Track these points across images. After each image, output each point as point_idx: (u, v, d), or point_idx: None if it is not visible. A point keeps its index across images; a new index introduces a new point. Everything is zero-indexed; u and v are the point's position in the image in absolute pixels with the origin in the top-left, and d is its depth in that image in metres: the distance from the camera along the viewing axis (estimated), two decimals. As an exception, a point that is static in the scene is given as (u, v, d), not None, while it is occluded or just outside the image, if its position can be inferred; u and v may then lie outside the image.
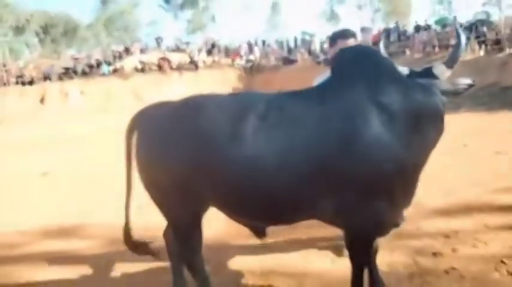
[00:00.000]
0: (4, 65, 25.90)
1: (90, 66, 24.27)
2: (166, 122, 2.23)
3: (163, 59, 24.20)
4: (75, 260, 3.43)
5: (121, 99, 20.62)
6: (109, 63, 24.53)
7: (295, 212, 2.15)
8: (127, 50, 26.74)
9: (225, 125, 2.06)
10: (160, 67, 23.68)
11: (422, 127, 1.97)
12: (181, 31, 40.46)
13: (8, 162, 9.39)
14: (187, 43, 29.07)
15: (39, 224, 4.41)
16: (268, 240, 3.03)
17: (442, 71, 2.07)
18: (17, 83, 23.57)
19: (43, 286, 3.04)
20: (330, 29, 36.31)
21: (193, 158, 2.08)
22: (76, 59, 26.62)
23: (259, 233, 2.44)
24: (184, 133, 2.13)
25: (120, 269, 3.16)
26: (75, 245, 3.77)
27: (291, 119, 2.02)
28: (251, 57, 24.64)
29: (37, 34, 35.95)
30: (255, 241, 3.15)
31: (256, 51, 25.41)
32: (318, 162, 1.94)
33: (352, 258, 2.20)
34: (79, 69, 23.94)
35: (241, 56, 25.05)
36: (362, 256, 2.21)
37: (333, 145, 1.94)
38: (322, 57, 21.07)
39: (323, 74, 2.65)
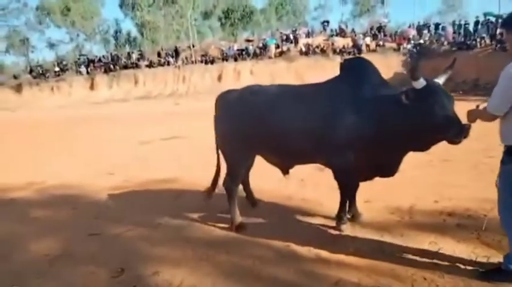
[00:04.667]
0: (193, 46, 30.67)
1: (261, 49, 26.63)
2: (234, 102, 3.61)
3: (327, 42, 24.79)
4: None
5: (284, 80, 22.05)
6: (277, 46, 26.43)
7: (306, 158, 3.49)
8: (294, 34, 28.23)
9: (269, 104, 3.37)
10: (323, 51, 24.39)
11: (383, 118, 2.97)
12: (348, 14, 40.16)
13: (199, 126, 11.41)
14: (353, 27, 28.88)
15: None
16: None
17: (415, 84, 2.81)
18: (201, 61, 27.74)
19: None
20: (525, 8, 30.57)
21: (250, 124, 3.42)
22: (249, 41, 29.57)
23: (285, 171, 3.77)
24: (244, 109, 3.48)
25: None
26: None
27: (307, 102, 3.29)
28: (420, 41, 23.01)
29: (219, 19, 40.95)
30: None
31: (426, 34, 23.57)
32: (316, 129, 3.17)
33: (340, 192, 3.44)
34: (251, 51, 26.57)
35: (409, 40, 23.65)
36: (344, 192, 3.44)
37: (325, 120, 3.14)
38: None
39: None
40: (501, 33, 19.92)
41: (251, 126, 3.42)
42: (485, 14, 22.76)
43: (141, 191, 5.18)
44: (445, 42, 22.11)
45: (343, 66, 3.42)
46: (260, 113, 3.39)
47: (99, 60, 31.37)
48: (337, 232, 3.48)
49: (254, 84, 3.86)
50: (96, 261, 3.25)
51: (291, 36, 27.66)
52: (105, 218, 4.21)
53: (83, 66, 30.50)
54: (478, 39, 20.55)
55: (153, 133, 10.46)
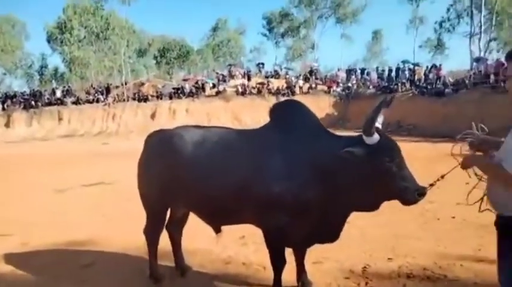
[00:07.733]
0: (126, 83, 29.50)
1: (197, 88, 26.32)
2: (153, 144, 3.19)
3: (262, 84, 25.21)
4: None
5: (221, 119, 21.93)
6: (213, 86, 26.35)
7: (233, 217, 2.89)
8: (230, 74, 28.44)
9: (189, 151, 2.88)
10: (259, 91, 24.70)
11: (321, 172, 2.53)
12: (281, 58, 41.80)
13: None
14: (287, 69, 29.91)
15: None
16: None
17: (367, 140, 2.38)
18: (134, 99, 26.62)
19: None
20: (435, 58, 34.07)
21: (169, 172, 2.93)
22: (185, 80, 29.19)
23: (216, 230, 3.14)
24: (164, 154, 2.99)
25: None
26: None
27: (232, 153, 2.79)
28: (348, 85, 24.34)
29: (155, 57, 40.32)
30: None
31: (353, 78, 25.04)
32: (240, 185, 2.67)
33: (271, 260, 2.83)
34: (187, 90, 26.13)
35: (338, 83, 24.89)
36: (276, 260, 2.81)
37: (251, 174, 2.64)
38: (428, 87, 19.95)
39: None
40: (424, 77, 21.76)
41: (165, 173, 2.97)
42: (403, 62, 24.91)
43: (39, 258, 4.06)
44: (371, 86, 23.59)
45: (273, 111, 2.90)
46: (176, 160, 2.91)
47: (15, 95, 28.89)
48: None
49: (183, 125, 3.35)
50: None
51: (227, 75, 27.89)
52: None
53: (-2, 102, 27.76)
54: (400, 84, 22.18)
55: (73, 178, 9.17)
